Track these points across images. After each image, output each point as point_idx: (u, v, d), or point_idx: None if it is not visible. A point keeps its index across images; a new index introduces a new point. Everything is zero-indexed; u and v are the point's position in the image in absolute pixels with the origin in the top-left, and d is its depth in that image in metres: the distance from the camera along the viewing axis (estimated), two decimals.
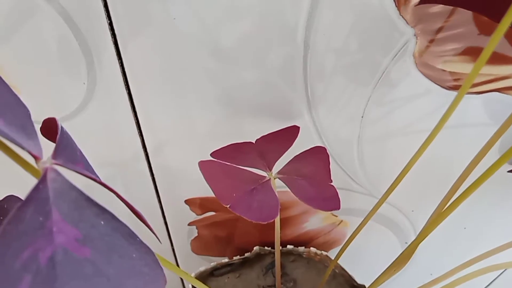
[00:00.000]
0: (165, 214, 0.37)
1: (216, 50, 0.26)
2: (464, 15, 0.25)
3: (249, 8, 0.24)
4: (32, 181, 0.15)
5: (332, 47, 0.26)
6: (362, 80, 0.27)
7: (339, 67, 0.27)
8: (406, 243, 0.42)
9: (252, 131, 0.28)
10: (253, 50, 0.26)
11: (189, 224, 0.38)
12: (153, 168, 0.32)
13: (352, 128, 0.30)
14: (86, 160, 0.19)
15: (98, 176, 0.18)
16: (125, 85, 0.27)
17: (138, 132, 0.30)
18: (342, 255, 0.42)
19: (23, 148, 0.15)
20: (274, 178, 0.26)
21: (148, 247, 0.17)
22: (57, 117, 0.18)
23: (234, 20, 0.24)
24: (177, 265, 0.43)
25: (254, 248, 0.39)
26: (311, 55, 0.26)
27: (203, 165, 0.25)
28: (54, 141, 0.18)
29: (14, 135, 0.15)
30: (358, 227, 0.27)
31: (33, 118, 0.16)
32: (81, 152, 0.19)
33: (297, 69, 0.27)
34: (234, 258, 0.39)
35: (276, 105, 0.29)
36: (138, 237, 0.17)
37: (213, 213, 0.37)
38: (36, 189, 0.15)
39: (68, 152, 0.17)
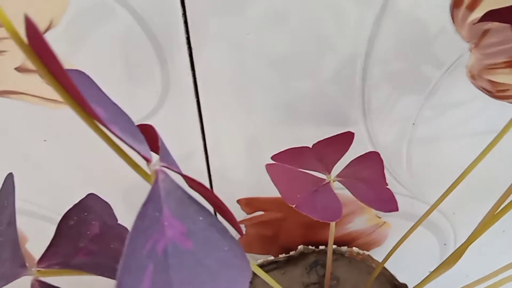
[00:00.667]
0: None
1: (274, 62, 0.28)
2: None
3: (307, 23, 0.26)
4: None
5: (390, 59, 0.27)
6: (416, 90, 0.29)
7: (395, 77, 0.28)
8: (445, 244, 0.44)
9: (308, 138, 0.30)
10: (311, 60, 0.28)
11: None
12: (211, 169, 0.35)
13: (402, 134, 0.32)
14: (175, 161, 0.21)
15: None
16: (195, 93, 0.29)
17: (202, 137, 0.32)
18: (378, 254, 0.44)
19: (137, 151, 0.17)
20: (333, 181, 0.27)
21: (237, 241, 0.19)
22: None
23: (295, 31, 0.26)
24: None
25: (299, 247, 0.41)
26: (370, 66, 0.28)
27: (270, 168, 0.27)
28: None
29: (128, 140, 0.18)
30: (408, 231, 0.29)
31: None
32: (173, 158, 0.21)
33: (355, 80, 0.29)
34: (279, 256, 0.41)
35: (332, 113, 0.31)
36: (229, 232, 0.19)
37: (261, 212, 0.39)
38: (152, 189, 0.17)
39: (168, 156, 0.19)
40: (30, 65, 0.28)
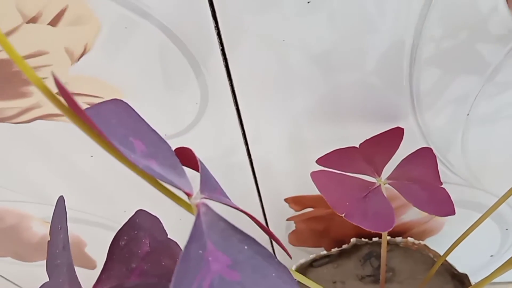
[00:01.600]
0: (265, 211, 0.39)
1: (315, 56, 0.27)
2: None
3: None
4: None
5: (441, 47, 0.25)
6: (473, 72, 0.27)
7: (446, 66, 0.26)
8: (506, 229, 0.41)
9: (355, 134, 0.29)
10: (354, 50, 0.26)
11: (287, 220, 0.40)
12: (255, 170, 0.34)
13: (456, 122, 0.30)
14: (219, 184, 0.21)
15: (230, 199, 0.20)
16: (234, 100, 0.28)
17: (243, 138, 0.31)
18: (434, 242, 0.42)
19: (177, 187, 0.17)
20: (384, 184, 0.26)
21: (284, 266, 0.19)
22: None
23: (335, 20, 0.25)
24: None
25: (351, 239, 0.40)
26: (418, 52, 0.26)
27: (315, 176, 0.26)
28: (187, 166, 0.20)
29: (168, 175, 0.17)
30: (474, 223, 0.27)
31: None
32: (214, 178, 0.20)
33: (403, 67, 0.27)
34: (332, 250, 0.40)
35: (379, 106, 0.29)
36: (276, 258, 0.18)
37: (311, 209, 0.39)
38: (194, 225, 0.16)
39: (209, 183, 0.19)
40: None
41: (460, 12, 0.24)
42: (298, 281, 0.27)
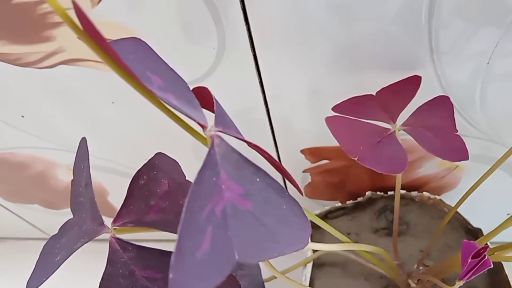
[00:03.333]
0: (282, 162, 0.40)
1: (332, 4, 0.26)
2: None
3: None
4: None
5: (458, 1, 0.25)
6: (492, 21, 0.26)
7: (466, 12, 0.26)
8: None
9: (374, 84, 0.29)
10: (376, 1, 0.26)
11: (303, 171, 0.40)
12: (272, 121, 0.35)
13: (475, 72, 0.30)
14: (233, 122, 0.21)
15: (243, 136, 0.21)
16: (251, 47, 0.28)
17: (261, 89, 0.32)
18: (451, 198, 0.42)
19: (192, 119, 0.18)
20: (399, 130, 0.26)
21: (295, 200, 0.19)
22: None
23: None
24: None
25: (366, 193, 0.40)
26: (437, 6, 0.25)
27: (329, 120, 0.26)
28: (204, 107, 0.21)
29: (184, 108, 0.18)
30: (484, 175, 0.27)
31: None
32: (230, 117, 0.21)
33: (421, 20, 0.26)
34: (347, 202, 0.41)
35: (398, 55, 0.29)
36: (287, 191, 0.19)
37: (326, 161, 0.39)
38: (208, 154, 0.17)
39: (224, 119, 0.20)
40: None
41: None
42: (316, 225, 0.28)
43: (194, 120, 0.18)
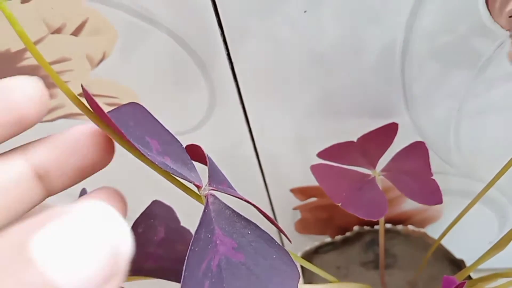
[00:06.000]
0: (272, 201, 0.41)
1: (313, 55, 0.29)
2: None
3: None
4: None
5: (430, 47, 0.27)
6: (464, 66, 0.28)
7: (438, 58, 0.28)
8: (503, 216, 0.43)
9: (354, 129, 0.31)
10: (350, 50, 0.28)
11: (293, 209, 0.42)
12: (262, 164, 0.37)
13: (448, 117, 0.32)
14: (226, 177, 0.23)
15: (236, 190, 0.23)
16: (240, 101, 0.31)
17: (249, 134, 0.34)
18: (435, 229, 0.44)
19: (188, 180, 0.20)
20: (379, 176, 0.28)
21: (284, 249, 0.21)
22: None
23: (332, 24, 0.27)
24: (282, 244, 0.48)
25: (354, 227, 0.42)
26: (409, 56, 0.28)
27: (314, 168, 0.28)
28: (195, 160, 0.22)
29: (180, 170, 0.20)
30: (463, 210, 0.29)
31: None
32: (221, 172, 0.23)
33: (395, 70, 0.29)
34: (336, 237, 0.42)
35: (374, 104, 0.31)
36: (276, 241, 0.21)
37: (315, 199, 0.41)
38: (204, 213, 0.19)
39: (217, 176, 0.21)
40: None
41: (448, 17, 0.26)
42: (303, 266, 0.29)
43: (190, 182, 0.20)
